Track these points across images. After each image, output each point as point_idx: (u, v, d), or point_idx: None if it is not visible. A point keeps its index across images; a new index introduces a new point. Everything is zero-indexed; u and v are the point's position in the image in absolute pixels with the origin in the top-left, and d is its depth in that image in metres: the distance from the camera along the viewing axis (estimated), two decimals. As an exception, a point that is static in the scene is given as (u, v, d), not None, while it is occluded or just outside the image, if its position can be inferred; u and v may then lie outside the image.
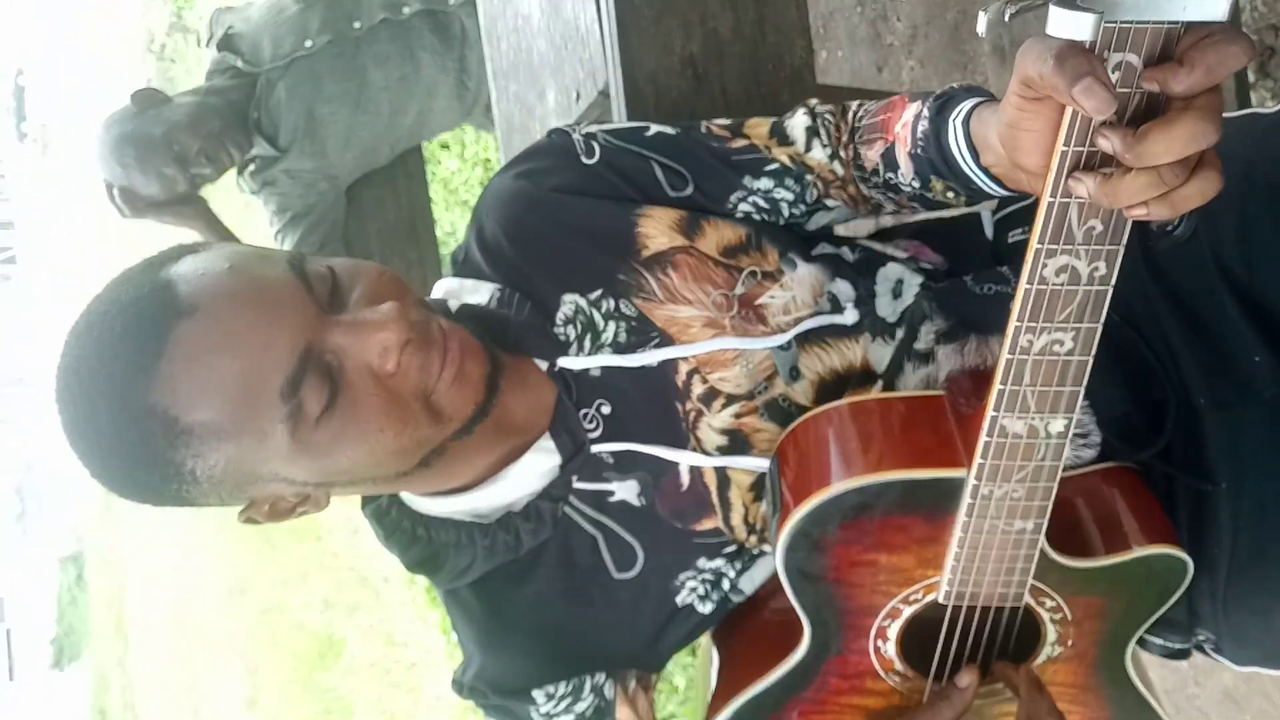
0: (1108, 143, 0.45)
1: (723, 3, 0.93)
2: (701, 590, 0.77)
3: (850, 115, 0.75)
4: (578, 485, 0.74)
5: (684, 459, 0.73)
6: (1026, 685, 0.70)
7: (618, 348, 0.73)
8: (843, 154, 0.74)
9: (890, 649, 0.72)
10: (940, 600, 0.68)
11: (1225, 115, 0.46)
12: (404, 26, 1.77)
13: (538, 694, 0.77)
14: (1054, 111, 0.47)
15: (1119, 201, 0.46)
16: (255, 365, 0.59)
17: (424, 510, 0.75)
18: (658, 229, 0.74)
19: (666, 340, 0.73)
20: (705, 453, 0.73)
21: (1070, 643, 0.71)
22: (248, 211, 2.01)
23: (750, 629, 0.79)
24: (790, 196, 0.76)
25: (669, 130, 0.78)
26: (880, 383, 0.73)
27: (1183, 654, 0.79)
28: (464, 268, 0.78)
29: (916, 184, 0.68)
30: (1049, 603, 0.69)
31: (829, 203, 0.77)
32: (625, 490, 0.74)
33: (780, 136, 0.76)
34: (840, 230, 0.81)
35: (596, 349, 0.73)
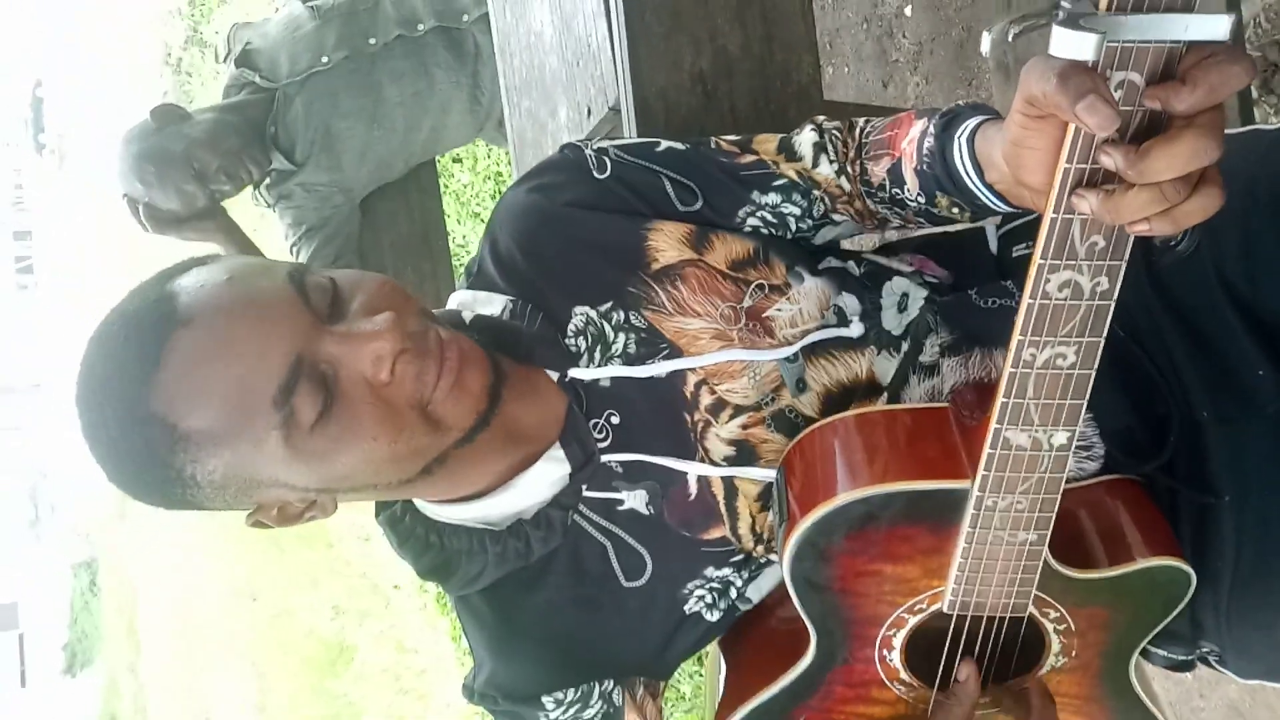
0: (1110, 159, 0.46)
1: (732, 20, 0.94)
2: (709, 599, 0.78)
3: (857, 131, 0.76)
4: (587, 494, 0.75)
5: (692, 469, 0.74)
6: (1038, 696, 0.71)
7: (627, 359, 0.74)
8: (850, 169, 0.75)
9: (896, 658, 0.73)
10: (945, 610, 0.69)
11: (1228, 131, 0.47)
12: (419, 43, 1.79)
13: (547, 700, 0.78)
14: (1057, 129, 0.48)
15: (1121, 218, 0.47)
16: (248, 373, 0.61)
17: (436, 517, 0.76)
18: (667, 243, 0.75)
19: (675, 352, 0.74)
20: (713, 463, 0.74)
21: (1074, 653, 0.72)
22: (263, 223, 2.03)
23: (757, 637, 0.80)
24: (798, 211, 0.77)
25: (679, 146, 0.79)
26: (885, 395, 0.74)
27: (1187, 666, 0.79)
28: (478, 280, 0.79)
29: (922, 199, 0.69)
30: (1053, 613, 0.69)
31: (836, 217, 0.78)
32: (634, 499, 0.75)
33: (788, 152, 0.77)
34: (846, 244, 0.82)
35: (606, 360, 0.74)
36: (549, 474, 0.74)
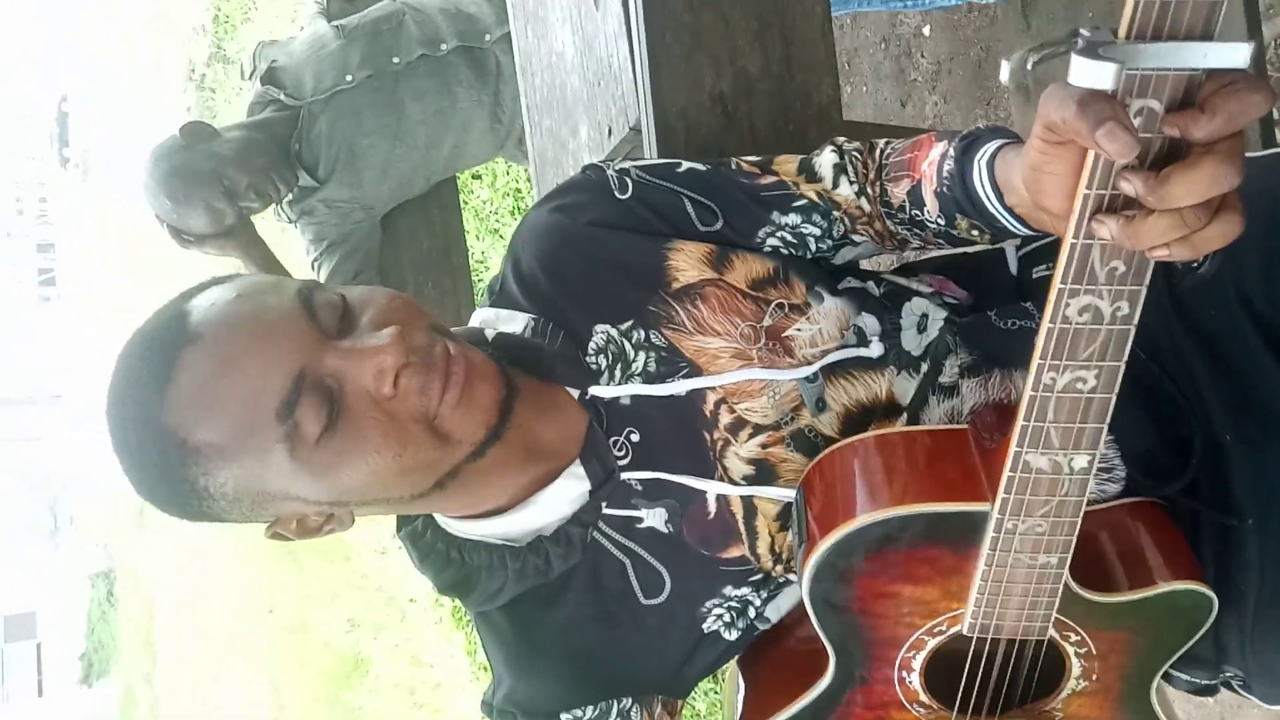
0: (1130, 186, 0.46)
1: (752, 42, 0.95)
2: (728, 617, 0.78)
3: (877, 153, 0.77)
4: (607, 511, 0.75)
5: (711, 488, 0.74)
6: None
7: (647, 377, 0.74)
8: (869, 190, 0.76)
9: (915, 680, 0.72)
10: (965, 632, 0.69)
11: (1249, 155, 0.47)
12: (441, 62, 1.81)
13: (565, 717, 0.78)
14: (1076, 155, 0.48)
15: (1141, 243, 0.47)
16: (252, 388, 0.62)
17: (457, 533, 0.77)
18: (688, 262, 0.76)
19: (695, 370, 0.74)
20: (732, 482, 0.74)
21: (1095, 677, 0.71)
22: (284, 238, 2.06)
23: (776, 657, 0.80)
24: (817, 232, 0.77)
25: (700, 167, 0.80)
26: (905, 415, 0.74)
27: (1210, 690, 0.79)
28: (500, 298, 0.80)
29: (942, 221, 0.70)
30: (1073, 636, 0.69)
31: (855, 238, 0.78)
32: (653, 517, 0.75)
33: (808, 173, 0.78)
34: (865, 265, 0.83)
35: (627, 378, 0.75)
36: (569, 491, 0.75)
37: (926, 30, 1.85)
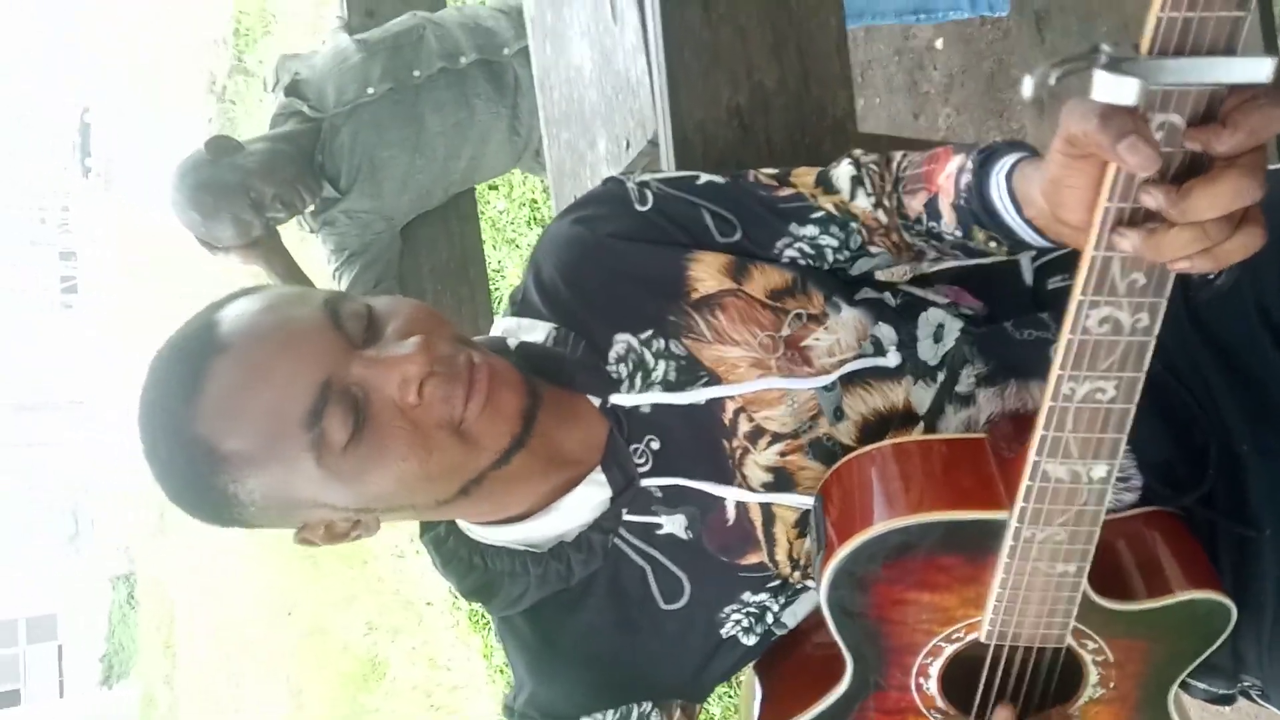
0: (1152, 199, 0.46)
1: (768, 56, 0.96)
2: (746, 623, 0.79)
3: (894, 166, 0.77)
4: (627, 518, 0.76)
5: (730, 494, 0.75)
6: None
7: (667, 386, 0.75)
8: (886, 203, 0.77)
9: (932, 686, 0.73)
10: (982, 640, 0.69)
11: (1271, 167, 0.47)
12: (461, 75, 1.83)
13: (585, 721, 0.79)
14: (1097, 169, 0.48)
15: (1162, 256, 0.47)
16: (279, 397, 0.64)
17: (480, 538, 0.78)
18: (707, 272, 0.76)
19: (714, 379, 0.75)
20: (751, 489, 0.75)
21: (1112, 685, 0.72)
22: (303, 246, 2.08)
23: (793, 662, 0.81)
24: (835, 243, 0.78)
25: (718, 179, 0.81)
26: (922, 424, 0.75)
27: (1228, 700, 0.79)
28: (522, 307, 0.81)
29: (959, 233, 0.70)
30: (1091, 644, 0.69)
31: (872, 249, 0.79)
32: (673, 524, 0.76)
33: (826, 185, 0.79)
34: (882, 275, 0.83)
35: (647, 387, 0.76)
36: (590, 498, 0.76)
37: (939, 43, 1.85)
